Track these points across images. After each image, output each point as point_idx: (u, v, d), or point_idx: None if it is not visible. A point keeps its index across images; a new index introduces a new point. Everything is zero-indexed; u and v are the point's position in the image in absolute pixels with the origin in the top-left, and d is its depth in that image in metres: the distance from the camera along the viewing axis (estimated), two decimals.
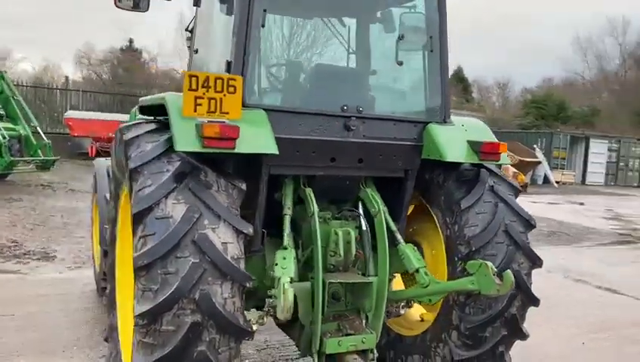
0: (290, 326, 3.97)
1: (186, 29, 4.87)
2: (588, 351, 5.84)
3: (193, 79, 3.25)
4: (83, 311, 6.07)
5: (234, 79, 3.33)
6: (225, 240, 3.15)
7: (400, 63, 4.07)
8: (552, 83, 49.93)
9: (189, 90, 3.25)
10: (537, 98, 42.12)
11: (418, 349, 4.41)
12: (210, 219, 3.15)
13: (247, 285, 3.25)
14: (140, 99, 4.44)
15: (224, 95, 3.31)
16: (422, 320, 4.68)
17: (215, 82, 3.28)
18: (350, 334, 3.85)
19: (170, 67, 48.62)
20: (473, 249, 3.90)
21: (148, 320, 2.99)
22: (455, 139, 4.04)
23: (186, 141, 3.21)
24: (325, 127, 3.80)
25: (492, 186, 4.11)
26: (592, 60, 50.01)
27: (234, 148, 3.24)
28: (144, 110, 4.29)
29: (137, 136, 3.46)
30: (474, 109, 41.19)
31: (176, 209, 3.12)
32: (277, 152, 3.39)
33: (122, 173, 3.77)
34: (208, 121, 3.24)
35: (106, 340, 4.43)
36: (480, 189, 4.06)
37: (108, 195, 4.49)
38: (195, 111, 3.28)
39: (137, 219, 3.10)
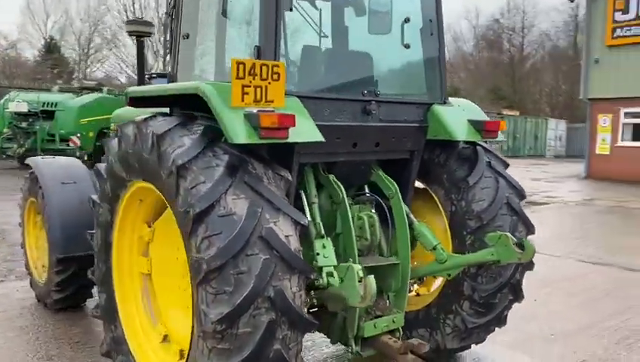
0: (318, 314, 3.93)
1: (166, 13, 4.52)
2: (541, 305, 6.42)
3: (240, 66, 3.07)
4: (30, 329, 5.46)
5: (277, 65, 3.19)
6: (286, 233, 3.04)
7: (407, 46, 4.14)
8: None
9: (236, 78, 3.07)
10: None
11: (423, 323, 4.58)
12: (270, 212, 3.02)
13: (312, 276, 3.18)
14: (130, 89, 4.09)
15: (269, 83, 3.17)
16: (418, 295, 4.86)
17: (261, 69, 3.13)
18: (380, 316, 3.92)
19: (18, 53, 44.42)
20: (485, 222, 4.13)
21: (226, 325, 2.82)
22: (458, 119, 4.21)
23: (242, 133, 3.03)
24: (348, 112, 3.79)
25: (489, 162, 4.36)
26: (449, 42, 53.85)
27: (287, 137, 3.12)
28: (137, 101, 3.97)
29: (169, 130, 3.20)
30: None
31: (237, 205, 2.95)
32: (324, 140, 3.32)
33: (134, 171, 3.47)
34: (258, 111, 3.09)
35: (106, 355, 4.08)
36: (481, 166, 4.29)
37: (95, 198, 4.08)
38: (243, 100, 3.11)
39: (198, 218, 2.89)
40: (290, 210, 3.11)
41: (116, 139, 3.69)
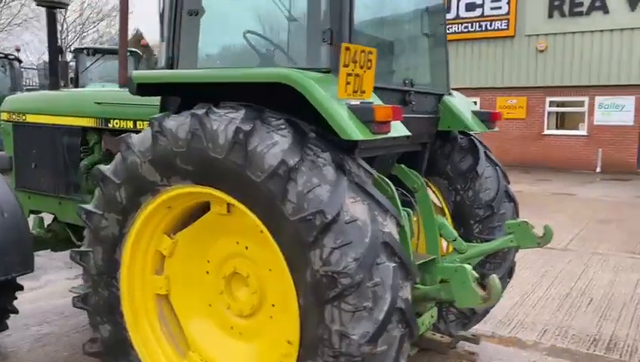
0: None
1: None
2: None
3: (347, 52, 2.71)
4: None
5: (372, 52, 2.89)
6: (395, 235, 2.80)
7: (427, 35, 4.06)
8: None
9: (344, 65, 2.71)
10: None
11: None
12: (382, 215, 2.75)
13: (417, 281, 2.98)
14: (141, 73, 3.38)
15: (364, 71, 2.86)
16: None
17: (360, 56, 2.80)
18: (419, 312, 3.83)
19: None
20: (495, 210, 4.25)
21: (372, 345, 2.51)
22: (466, 110, 4.26)
23: (356, 128, 2.68)
24: (394, 103, 3.59)
25: (485, 152, 4.50)
26: None
27: (389, 132, 2.86)
28: (147, 89, 3.31)
29: (255, 126, 2.72)
30: None
31: (357, 209, 2.63)
32: (410, 133, 3.11)
33: (181, 173, 2.91)
34: (361, 103, 2.78)
35: None
36: (483, 155, 4.40)
37: (91, 207, 3.30)
38: (346, 91, 2.76)
39: (326, 227, 2.51)
40: (393, 210, 2.86)
41: (146, 135, 3.03)
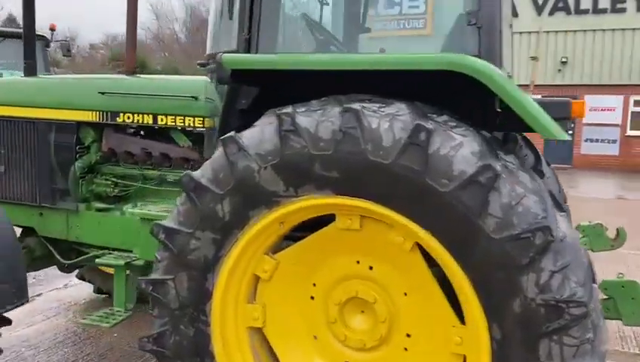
0: None
1: None
2: None
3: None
4: None
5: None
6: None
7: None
8: (116, 40, 48.88)
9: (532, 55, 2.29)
10: (117, 55, 40.91)
11: None
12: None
13: None
14: (233, 57, 2.72)
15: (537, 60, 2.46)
16: None
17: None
18: None
19: None
20: (564, 211, 4.05)
21: None
22: None
23: (556, 126, 2.29)
24: None
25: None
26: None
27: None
28: (245, 77, 2.70)
29: (434, 125, 2.25)
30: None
31: (561, 222, 2.25)
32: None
33: (319, 181, 2.38)
34: (542, 97, 2.39)
35: None
36: (540, 154, 4.18)
37: (173, 225, 2.62)
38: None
39: (546, 247, 2.10)
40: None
41: (267, 134, 2.43)
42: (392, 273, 2.63)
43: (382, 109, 2.31)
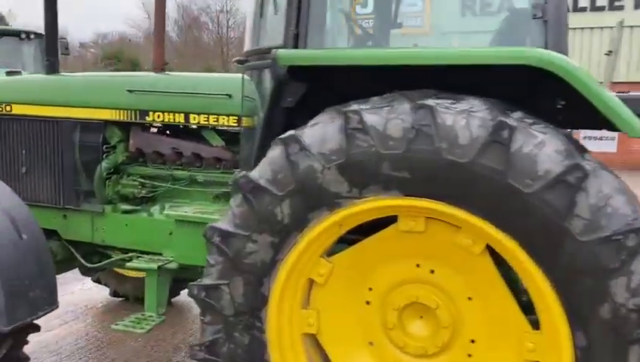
0: None
1: None
2: None
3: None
4: None
5: None
6: None
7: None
8: (106, 38, 48.55)
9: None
10: (109, 54, 40.38)
11: None
12: None
13: None
14: (288, 53, 2.60)
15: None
16: None
17: None
18: None
19: None
20: None
21: None
22: None
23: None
24: None
25: None
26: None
27: None
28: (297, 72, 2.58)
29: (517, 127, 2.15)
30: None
31: None
32: None
33: (387, 182, 2.28)
34: (618, 92, 2.31)
35: None
36: None
37: (227, 226, 2.50)
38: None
39: (636, 250, 2.01)
40: None
41: (331, 132, 2.32)
42: (456, 276, 2.53)
43: (454, 105, 2.21)
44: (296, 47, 2.87)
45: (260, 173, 2.46)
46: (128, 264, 3.72)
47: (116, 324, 3.59)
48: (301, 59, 2.59)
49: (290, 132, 2.42)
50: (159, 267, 3.64)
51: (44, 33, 4.15)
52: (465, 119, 2.15)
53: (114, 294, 5.66)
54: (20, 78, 4.41)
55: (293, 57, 2.59)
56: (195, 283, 2.63)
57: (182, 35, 48.55)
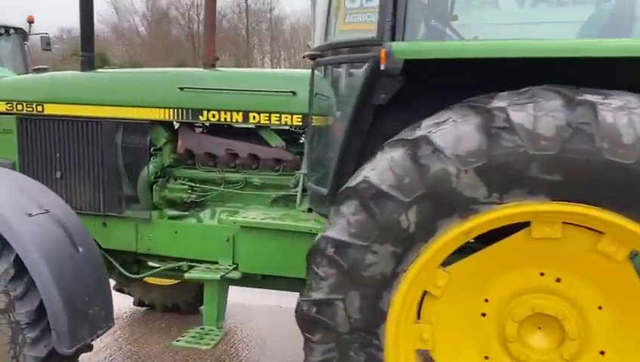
0: None
1: None
2: None
3: None
4: None
5: None
6: None
7: None
8: (71, 34, 47.10)
9: None
10: (78, 50, 39.25)
11: None
12: None
13: None
14: (405, 46, 2.38)
15: None
16: None
17: None
18: None
19: None
20: None
21: None
22: None
23: None
24: None
25: None
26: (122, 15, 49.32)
27: None
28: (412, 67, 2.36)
29: None
30: None
31: None
32: None
33: (544, 186, 2.10)
34: None
35: None
36: None
37: (345, 236, 2.28)
38: None
39: None
40: None
41: (466, 132, 2.12)
42: (585, 285, 2.37)
43: (608, 101, 2.03)
44: (393, 39, 2.66)
45: (380, 177, 2.24)
46: (187, 274, 3.44)
47: (177, 341, 3.32)
48: (423, 53, 2.37)
49: (422, 132, 2.21)
50: (222, 277, 3.39)
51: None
52: (626, 116, 1.97)
53: (139, 303, 5.36)
54: (52, 76, 4.07)
55: (411, 50, 2.38)
56: (303, 298, 2.40)
57: (150, 29, 47.60)
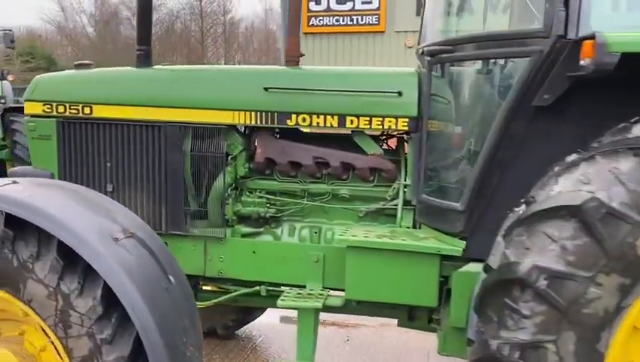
0: None
1: None
2: None
3: None
4: None
5: None
6: None
7: None
8: (33, 33, 44.71)
9: None
10: (23, 50, 36.91)
11: None
12: None
13: None
14: (622, 38, 2.02)
15: None
16: None
17: None
18: None
19: None
20: None
21: None
22: None
23: None
24: None
25: None
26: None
27: None
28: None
29: None
30: None
31: None
32: None
33: None
34: None
35: None
36: None
37: (561, 266, 1.89)
38: None
39: None
40: None
41: None
42: None
43: None
44: (566, 30, 2.31)
45: (609, 194, 1.87)
46: (280, 302, 2.96)
47: None
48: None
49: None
50: (323, 305, 2.94)
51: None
52: None
53: None
54: (101, 72, 3.49)
55: (625, 42, 2.02)
56: (500, 340, 1.99)
57: (99, 30, 45.91)
